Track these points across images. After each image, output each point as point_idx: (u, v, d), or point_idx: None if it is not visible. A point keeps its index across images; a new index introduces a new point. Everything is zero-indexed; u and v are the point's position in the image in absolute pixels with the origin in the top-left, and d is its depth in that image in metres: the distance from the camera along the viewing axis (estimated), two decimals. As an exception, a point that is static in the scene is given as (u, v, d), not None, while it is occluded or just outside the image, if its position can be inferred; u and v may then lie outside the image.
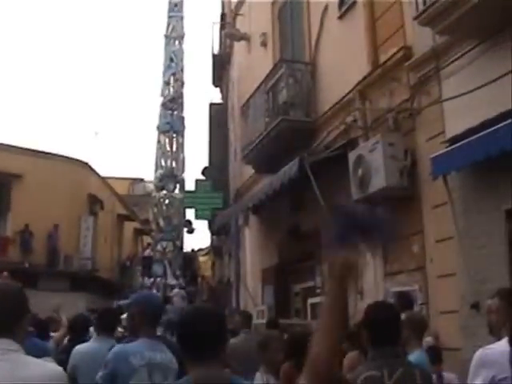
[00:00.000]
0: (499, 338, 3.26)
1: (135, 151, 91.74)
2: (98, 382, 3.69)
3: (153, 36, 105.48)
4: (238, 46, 16.51)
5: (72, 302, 16.97)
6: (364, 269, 8.66)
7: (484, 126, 5.78)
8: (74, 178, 23.14)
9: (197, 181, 19.23)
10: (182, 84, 31.30)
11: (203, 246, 31.13)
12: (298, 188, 9.39)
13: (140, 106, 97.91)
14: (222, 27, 19.16)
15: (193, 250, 30.01)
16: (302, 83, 10.86)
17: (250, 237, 14.58)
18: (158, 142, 30.60)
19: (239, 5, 16.59)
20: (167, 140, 30.64)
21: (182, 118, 30.93)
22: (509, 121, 5.32)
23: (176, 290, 23.17)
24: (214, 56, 20.25)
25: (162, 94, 30.81)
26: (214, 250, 23.24)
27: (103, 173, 27.67)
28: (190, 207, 19.85)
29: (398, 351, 3.12)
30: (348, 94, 9.21)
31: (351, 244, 1.95)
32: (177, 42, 31.58)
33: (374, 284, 8.34)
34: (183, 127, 30.88)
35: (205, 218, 19.22)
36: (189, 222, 25.23)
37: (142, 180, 39.06)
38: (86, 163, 24.90)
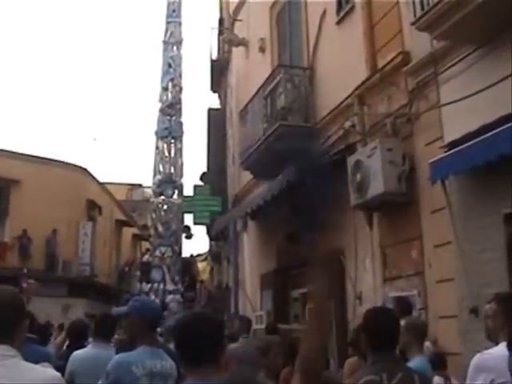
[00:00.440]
0: (497, 343, 3.26)
1: (133, 157, 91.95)
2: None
3: (151, 42, 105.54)
4: (236, 52, 16.52)
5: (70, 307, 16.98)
6: (362, 274, 8.66)
7: (483, 130, 5.77)
8: (73, 184, 23.13)
9: (195, 186, 19.20)
10: (181, 89, 31.39)
11: (202, 252, 31.13)
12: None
13: (138, 112, 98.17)
14: (220, 32, 19.17)
15: (191, 256, 30.02)
16: (301, 88, 10.86)
17: (249, 242, 14.56)
18: (157, 147, 30.66)
19: (237, 10, 16.60)
20: (165, 145, 30.70)
21: (181, 124, 31.00)
22: (507, 125, 5.32)
23: (171, 296, 23.18)
24: (212, 61, 20.26)
25: (160, 100, 30.89)
26: (213, 255, 23.20)
27: (102, 178, 27.72)
28: (189, 212, 19.82)
29: (397, 356, 3.12)
30: (346, 99, 9.21)
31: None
32: (175, 48, 31.69)
33: (372, 289, 8.33)
34: (181, 133, 30.94)
35: (203, 224, 19.19)
36: (187, 228, 25.25)
37: (140, 185, 39.10)
38: (85, 169, 24.91)
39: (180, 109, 30.81)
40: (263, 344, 4.85)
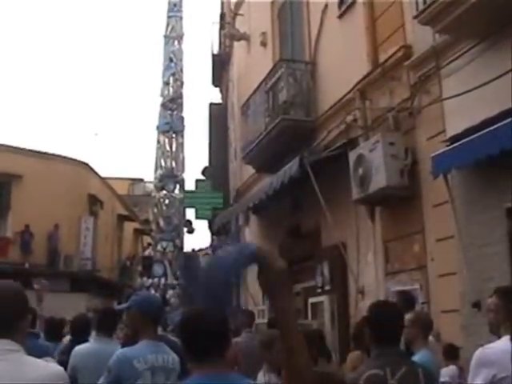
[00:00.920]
0: (499, 337, 3.26)
1: (135, 151, 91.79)
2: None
3: (152, 36, 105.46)
4: (238, 46, 16.50)
5: (72, 302, 16.99)
6: (365, 268, 8.67)
7: (485, 124, 5.76)
8: (74, 179, 23.13)
9: (197, 180, 19.21)
10: (182, 84, 31.28)
11: (203, 246, 31.15)
12: (298, 187, 9.38)
13: (139, 107, 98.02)
14: (222, 27, 19.15)
15: (193, 250, 29.99)
16: (302, 83, 10.85)
17: (251, 236, 14.56)
18: (158, 142, 30.58)
19: (239, 4, 16.58)
20: (167, 140, 30.62)
21: (182, 118, 30.91)
22: (510, 119, 5.31)
23: (171, 292, 23.18)
24: (213, 56, 20.24)
25: (162, 94, 30.79)
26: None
27: (103, 173, 27.72)
28: (190, 207, 19.83)
29: (401, 350, 3.12)
30: (348, 93, 9.20)
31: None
32: (176, 42, 31.56)
33: (375, 283, 8.34)
34: (183, 127, 30.85)
35: (205, 218, 19.18)
36: (189, 222, 25.19)
37: (141, 180, 39.09)
38: (86, 164, 24.90)
39: (181, 103, 30.70)
40: (266, 338, 4.84)
